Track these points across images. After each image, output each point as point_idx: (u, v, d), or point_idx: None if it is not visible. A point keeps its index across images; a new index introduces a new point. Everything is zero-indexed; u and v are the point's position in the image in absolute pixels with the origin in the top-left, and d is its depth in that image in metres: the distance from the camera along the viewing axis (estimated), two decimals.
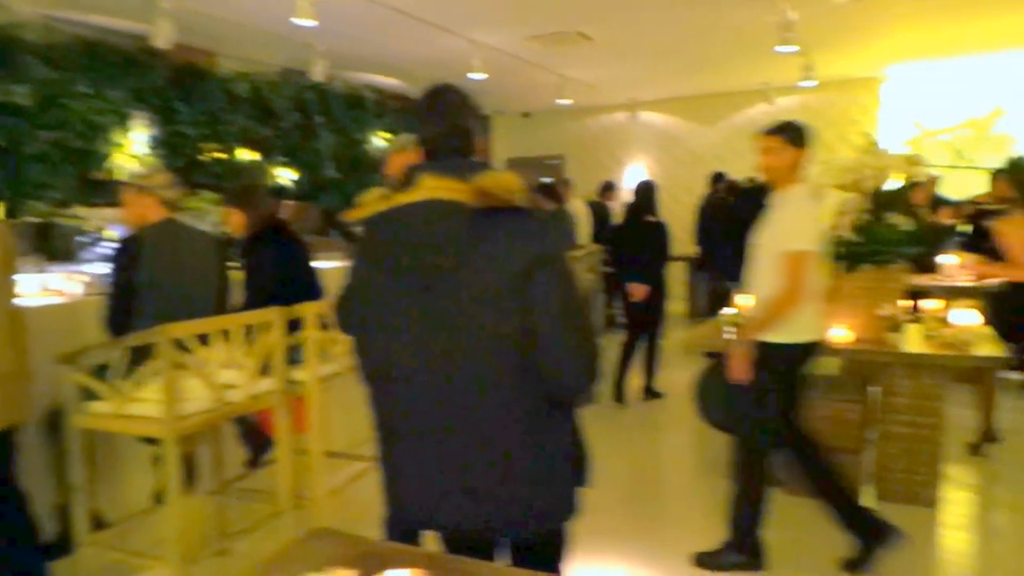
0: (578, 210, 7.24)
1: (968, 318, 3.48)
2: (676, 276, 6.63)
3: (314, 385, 3.08)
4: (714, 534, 3.23)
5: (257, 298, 3.01)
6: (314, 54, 6.65)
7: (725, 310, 3.97)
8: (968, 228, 6.57)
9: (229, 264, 3.27)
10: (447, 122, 1.56)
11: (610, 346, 7.31)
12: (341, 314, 1.67)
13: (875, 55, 8.13)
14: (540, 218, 1.51)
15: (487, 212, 1.45)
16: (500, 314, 1.45)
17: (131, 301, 2.82)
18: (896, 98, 9.20)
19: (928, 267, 5.68)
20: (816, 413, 3.63)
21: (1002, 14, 6.68)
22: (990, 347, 3.51)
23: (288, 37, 6.35)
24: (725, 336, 3.83)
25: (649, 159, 11.04)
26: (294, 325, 3.00)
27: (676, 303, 6.84)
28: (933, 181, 6.56)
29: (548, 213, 1.65)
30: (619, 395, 5.57)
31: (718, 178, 8.16)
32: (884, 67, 8.81)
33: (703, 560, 3.05)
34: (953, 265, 5.48)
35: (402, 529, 1.82)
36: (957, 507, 3.61)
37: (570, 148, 11.60)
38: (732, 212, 6.14)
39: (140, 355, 2.58)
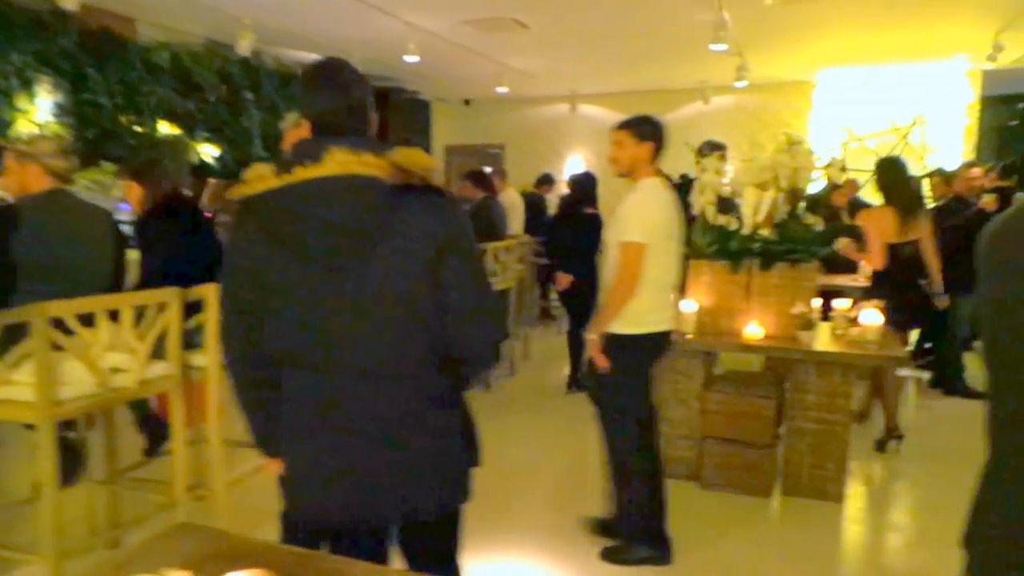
0: (511, 200, 7.19)
1: (875, 318, 3.57)
2: None
3: (214, 371, 2.95)
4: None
5: (151, 277, 2.84)
6: (241, 27, 6.40)
7: None
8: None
9: (129, 242, 3.09)
10: (345, 97, 1.49)
11: (543, 337, 7.33)
12: (226, 297, 1.56)
13: (807, 59, 8.34)
14: (450, 198, 1.49)
15: (400, 189, 1.40)
16: (411, 294, 1.42)
17: (9, 277, 2.62)
18: (826, 102, 9.46)
19: (851, 268, 5.85)
20: (732, 408, 3.68)
21: (925, 26, 6.93)
22: (894, 346, 3.61)
23: (213, 7, 6.10)
24: None
25: (588, 152, 11.09)
26: (195, 307, 2.86)
27: None
28: (852, 184, 6.78)
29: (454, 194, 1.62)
30: (572, 383, 5.59)
31: None
32: (815, 72, 9.04)
33: (610, 555, 3.05)
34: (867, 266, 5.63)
35: (297, 525, 1.74)
36: (862, 502, 3.71)
37: (511, 137, 11.56)
38: None
39: (16, 334, 2.41)
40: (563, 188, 9.84)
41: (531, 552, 3.15)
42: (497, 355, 1.57)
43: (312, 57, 8.27)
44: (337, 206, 1.38)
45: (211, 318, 2.87)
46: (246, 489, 3.29)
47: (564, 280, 5.43)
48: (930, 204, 6.94)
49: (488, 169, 6.66)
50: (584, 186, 5.60)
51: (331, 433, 1.50)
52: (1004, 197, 5.63)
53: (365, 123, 1.53)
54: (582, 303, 5.50)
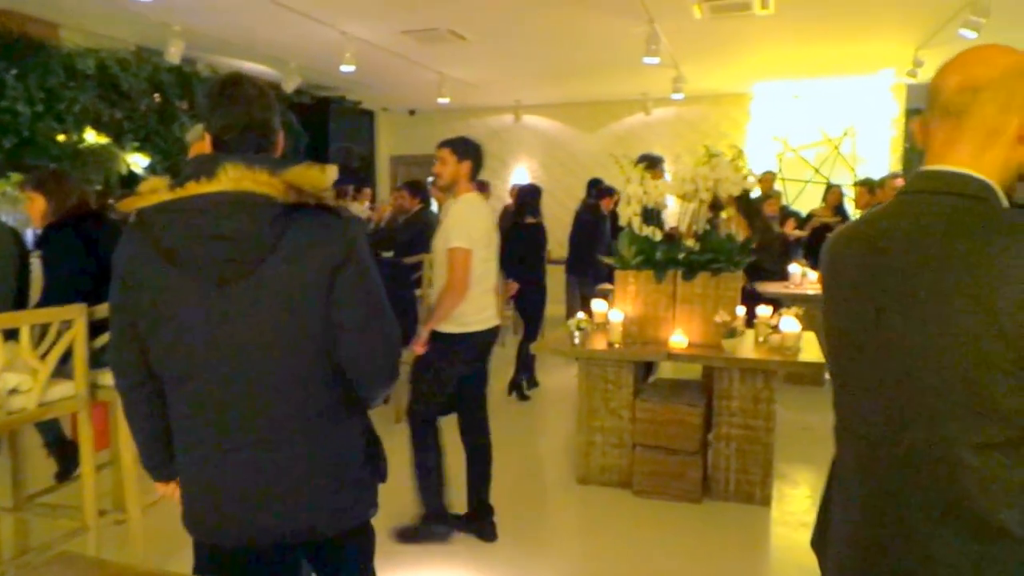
0: None
1: (794, 325, 3.66)
2: (559, 279, 6.74)
3: None
4: (566, 543, 3.24)
5: (54, 294, 2.75)
6: (171, 34, 6.26)
7: (579, 314, 4.01)
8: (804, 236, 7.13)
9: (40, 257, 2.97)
10: (244, 113, 1.49)
11: None
12: (114, 311, 1.53)
13: (742, 72, 8.54)
14: (345, 216, 1.48)
15: (293, 208, 1.40)
16: (301, 312, 1.42)
17: None
18: (763, 114, 9.70)
19: (783, 275, 6.01)
20: (660, 416, 3.72)
21: (851, 42, 7.18)
22: (815, 352, 3.71)
23: (140, 13, 5.95)
24: (574, 340, 3.87)
25: (534, 162, 11.15)
26: (103, 325, 2.77)
27: (557, 306, 6.96)
28: (777, 196, 7.06)
29: (351, 212, 1.60)
30: (512, 390, 5.76)
31: (593, 184, 8.29)
32: (751, 84, 9.26)
33: (403, 535, 3.23)
34: (799, 274, 5.79)
35: (202, 549, 1.69)
36: (789, 505, 3.79)
37: None
38: (597, 219, 6.29)
39: None
40: (506, 198, 9.94)
41: (455, 568, 3.13)
42: (393, 374, 1.56)
43: (248, 66, 8.28)
44: (227, 221, 1.38)
45: None
46: (164, 513, 3.20)
47: (511, 288, 5.53)
48: (857, 213, 7.23)
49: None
50: (526, 197, 5.78)
51: (222, 452, 1.47)
52: None
53: (268, 140, 1.53)
54: (536, 310, 5.63)
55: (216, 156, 1.44)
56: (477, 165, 3.23)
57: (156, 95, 6.99)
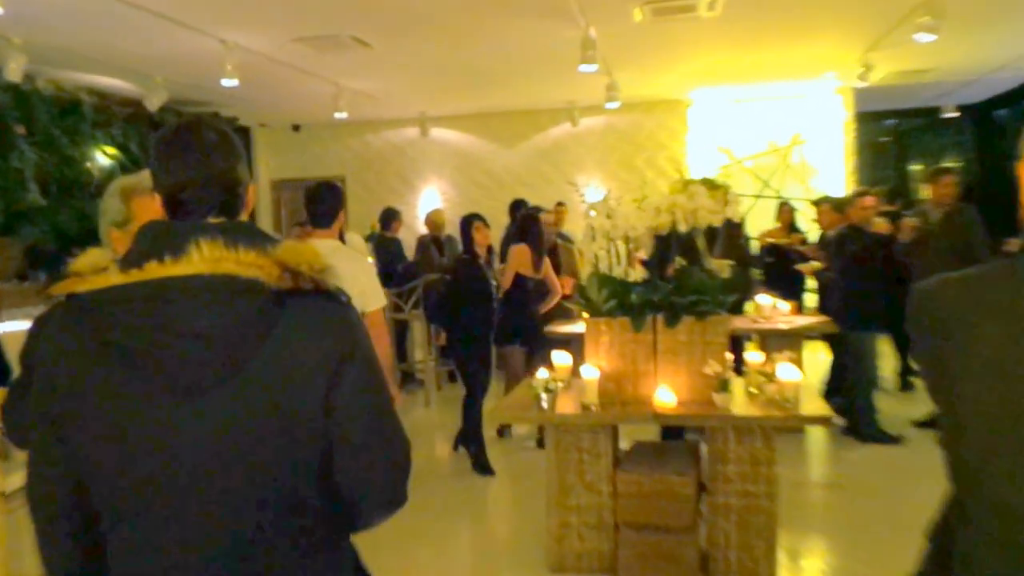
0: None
1: (793, 373, 3.70)
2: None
3: None
4: None
5: None
6: (10, 47, 5.88)
7: (540, 373, 3.92)
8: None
9: None
10: (203, 166, 1.39)
11: (409, 408, 7.13)
12: (16, 419, 1.35)
13: (679, 78, 8.80)
14: (346, 302, 1.41)
15: (284, 294, 1.31)
16: (292, 425, 1.32)
17: None
18: (703, 122, 10.03)
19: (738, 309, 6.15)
20: (646, 489, 3.67)
21: (793, 46, 7.55)
22: (816, 403, 3.76)
23: None
24: (542, 404, 3.78)
25: (444, 182, 11.09)
26: None
27: None
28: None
29: (348, 295, 1.51)
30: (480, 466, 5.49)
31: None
32: (690, 90, 9.56)
33: None
34: (770, 306, 5.94)
35: None
36: None
37: (351, 168, 11.35)
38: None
39: None
40: (418, 227, 9.81)
41: None
42: (399, 499, 1.47)
43: (104, 81, 7.90)
44: (203, 314, 1.27)
45: None
46: None
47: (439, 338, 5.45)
48: (816, 232, 7.52)
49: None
50: (461, 230, 5.64)
51: None
52: (891, 220, 6.15)
53: (236, 200, 1.44)
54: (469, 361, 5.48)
55: (182, 227, 1.34)
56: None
57: None
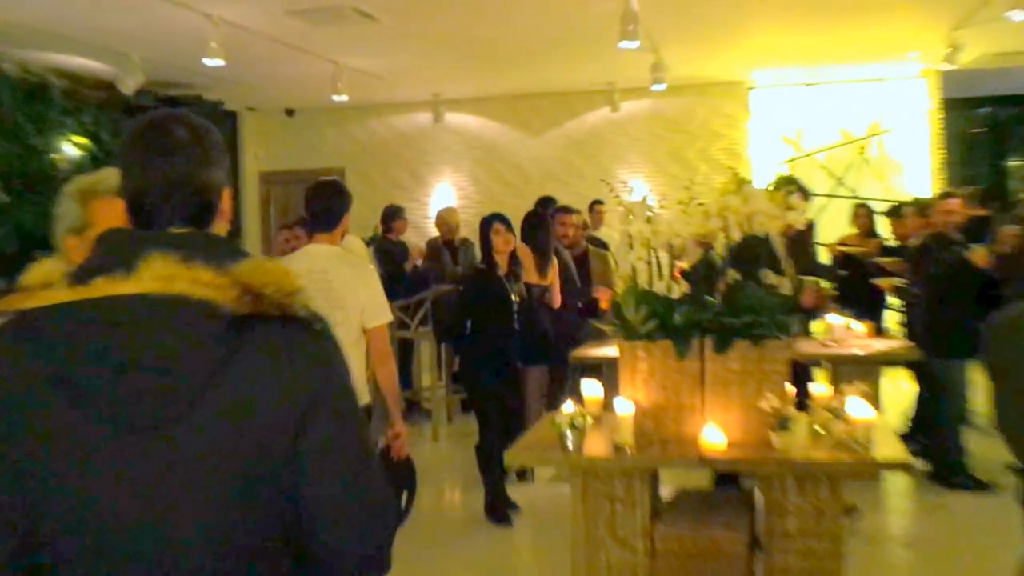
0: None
1: (865, 409, 3.66)
2: None
3: None
4: None
5: None
6: None
7: (565, 406, 3.91)
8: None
9: None
10: (171, 168, 1.41)
11: (416, 442, 7.11)
12: None
13: (739, 56, 8.78)
14: (320, 331, 1.42)
15: (246, 320, 1.32)
16: (254, 474, 1.34)
17: None
18: (766, 109, 9.97)
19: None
20: (690, 547, 3.64)
21: (871, 22, 7.49)
22: (892, 445, 3.71)
23: None
24: (567, 443, 3.77)
25: (460, 177, 11.13)
26: None
27: None
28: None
29: (325, 322, 1.53)
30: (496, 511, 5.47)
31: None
32: (751, 71, 9.53)
33: None
34: (842, 328, 5.89)
35: None
36: None
37: (352, 159, 11.44)
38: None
39: None
40: (427, 229, 9.85)
41: None
42: (381, 564, 1.49)
43: (75, 61, 8.03)
44: (150, 342, 1.30)
45: None
46: None
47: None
48: (892, 242, 7.44)
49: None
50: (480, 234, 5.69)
51: None
52: (980, 226, 6.07)
53: (208, 207, 1.46)
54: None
55: (139, 238, 1.38)
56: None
57: None
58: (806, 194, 5.43)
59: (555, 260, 5.92)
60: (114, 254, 1.35)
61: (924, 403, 6.20)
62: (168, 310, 1.30)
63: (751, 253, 4.15)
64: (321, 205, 3.79)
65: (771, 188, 4.36)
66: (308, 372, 1.37)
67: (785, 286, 4.03)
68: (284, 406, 1.34)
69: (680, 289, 3.84)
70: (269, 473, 1.35)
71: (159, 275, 1.30)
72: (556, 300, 5.91)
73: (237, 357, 1.32)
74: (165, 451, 1.31)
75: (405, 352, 7.95)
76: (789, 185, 3.85)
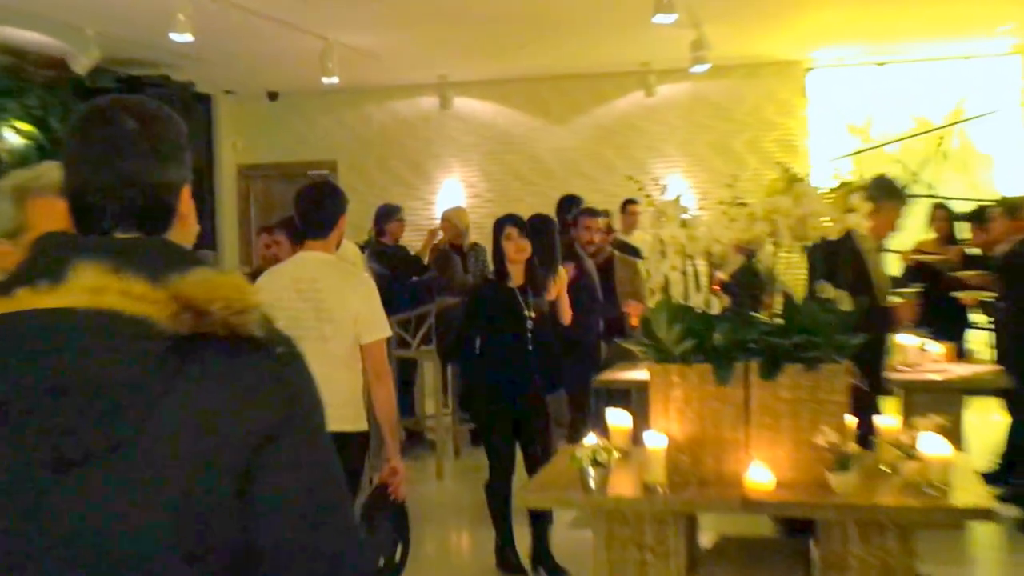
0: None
1: (939, 446, 3.63)
2: None
3: None
4: None
5: None
6: None
7: (587, 439, 3.91)
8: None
9: None
10: (114, 165, 1.42)
11: (420, 478, 7.12)
12: None
13: (795, 31, 8.77)
14: (282, 355, 1.40)
15: (190, 341, 1.32)
16: (191, 518, 1.32)
17: None
18: (826, 93, 9.95)
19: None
20: None
21: None
22: (973, 489, 3.68)
23: None
24: (589, 482, 3.77)
25: (471, 171, 11.17)
26: None
27: None
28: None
29: (293, 345, 1.52)
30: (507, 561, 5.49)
31: (566, 205, 8.28)
32: (810, 49, 9.51)
33: None
34: (916, 349, 5.85)
35: None
36: None
37: (345, 151, 11.51)
38: (575, 261, 6.31)
39: None
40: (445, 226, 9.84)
41: None
42: None
43: (20, 35, 8.10)
44: (76, 364, 1.30)
45: None
46: None
47: None
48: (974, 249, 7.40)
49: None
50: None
51: None
52: None
53: (161, 209, 1.47)
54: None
55: (68, 242, 1.40)
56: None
57: None
58: (901, 196, 5.40)
59: (561, 271, 5.92)
60: (42, 262, 1.36)
61: (1016, 438, 6.14)
62: (99, 327, 1.30)
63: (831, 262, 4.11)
64: (312, 209, 3.83)
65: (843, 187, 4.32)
66: (263, 401, 1.37)
67: (860, 302, 4.00)
68: (233, 440, 1.34)
69: (720, 303, 3.84)
70: (217, 519, 1.34)
71: (88, 287, 1.31)
72: (565, 315, 5.90)
73: (176, 384, 1.32)
74: (96, 491, 1.31)
75: (406, 374, 7.96)
76: (881, 184, 3.81)
